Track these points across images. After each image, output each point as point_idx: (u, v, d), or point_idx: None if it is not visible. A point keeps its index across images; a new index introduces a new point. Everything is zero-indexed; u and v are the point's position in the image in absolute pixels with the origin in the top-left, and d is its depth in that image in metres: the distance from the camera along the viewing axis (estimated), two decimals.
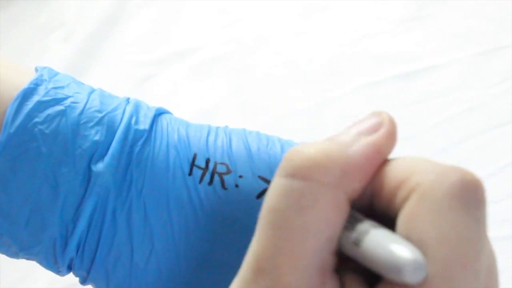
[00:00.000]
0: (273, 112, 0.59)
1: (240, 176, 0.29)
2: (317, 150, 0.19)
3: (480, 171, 0.50)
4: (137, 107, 0.30)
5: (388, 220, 0.19)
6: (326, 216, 0.18)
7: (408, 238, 0.17)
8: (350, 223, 0.18)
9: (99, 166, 0.28)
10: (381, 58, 0.60)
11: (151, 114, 0.30)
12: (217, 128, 0.31)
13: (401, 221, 0.18)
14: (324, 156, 0.18)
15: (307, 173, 0.18)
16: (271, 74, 0.62)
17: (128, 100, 0.31)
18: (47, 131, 0.28)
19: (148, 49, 0.67)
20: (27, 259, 0.30)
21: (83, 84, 0.31)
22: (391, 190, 0.19)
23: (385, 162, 0.20)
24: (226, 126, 0.31)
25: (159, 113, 0.31)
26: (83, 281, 0.30)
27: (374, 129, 0.20)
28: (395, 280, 0.17)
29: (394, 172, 0.19)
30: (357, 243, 0.18)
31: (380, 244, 0.17)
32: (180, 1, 0.71)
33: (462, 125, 0.54)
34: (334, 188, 0.18)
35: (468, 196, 0.18)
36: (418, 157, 0.20)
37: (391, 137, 0.20)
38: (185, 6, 0.70)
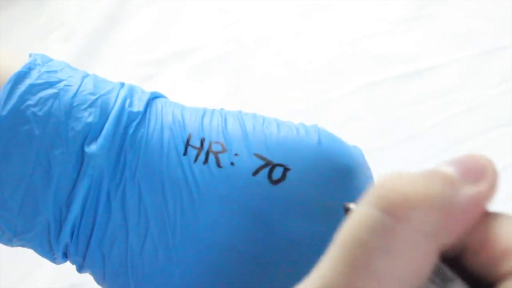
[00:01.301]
0: (272, 112, 0.58)
1: (236, 154, 0.28)
2: (417, 190, 0.17)
3: None
4: (131, 90, 0.30)
5: (475, 278, 0.17)
6: (414, 264, 0.16)
7: None
8: (439, 278, 0.17)
9: (92, 148, 0.28)
10: (381, 58, 0.60)
11: (145, 97, 0.30)
12: (213, 110, 0.30)
13: None
14: (424, 199, 0.16)
15: (404, 214, 0.16)
16: (271, 74, 0.62)
17: (122, 84, 0.31)
18: (39, 114, 0.28)
19: (148, 49, 0.67)
20: (22, 246, 0.30)
21: (77, 69, 0.31)
22: (493, 256, 0.17)
23: (486, 216, 0.18)
24: (222, 108, 0.31)
25: (154, 96, 0.31)
26: (79, 268, 0.30)
27: (478, 177, 0.18)
28: None
29: (502, 237, 0.17)
30: None
31: None
32: (180, 1, 0.71)
33: (462, 125, 0.54)
34: (428, 236, 0.16)
35: None
36: None
37: (493, 191, 0.18)
38: (185, 6, 0.70)
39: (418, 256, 0.16)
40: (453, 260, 0.18)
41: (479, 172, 0.18)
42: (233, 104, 0.60)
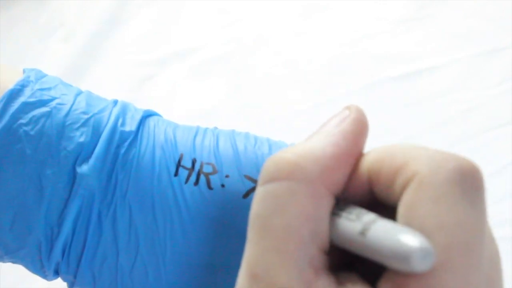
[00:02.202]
0: (272, 112, 0.59)
1: (227, 176, 0.28)
2: (287, 152, 0.19)
3: None
4: (124, 109, 0.30)
5: (390, 212, 0.19)
6: (305, 211, 0.18)
7: (409, 226, 0.17)
8: (354, 215, 0.18)
9: (84, 168, 0.28)
10: (381, 58, 0.60)
11: (138, 116, 0.30)
12: (206, 129, 0.30)
13: (401, 210, 0.18)
14: (295, 155, 0.19)
15: (281, 175, 0.19)
16: (271, 74, 0.62)
17: (115, 102, 0.30)
18: (32, 133, 0.28)
19: (148, 49, 0.67)
20: (13, 262, 0.30)
21: (71, 86, 0.31)
22: (388, 178, 0.19)
23: (377, 150, 0.20)
24: (215, 127, 0.31)
25: (147, 115, 0.31)
26: (70, 286, 0.30)
27: (343, 120, 0.20)
28: (401, 269, 0.17)
29: (390, 160, 0.19)
30: (363, 232, 0.18)
31: (388, 232, 0.17)
32: (180, 1, 0.71)
33: (462, 125, 0.54)
34: (309, 183, 0.18)
35: (466, 183, 0.18)
36: (413, 144, 0.20)
37: (359, 123, 0.20)
38: (185, 6, 0.70)
39: (306, 203, 0.18)
40: (371, 202, 0.20)
41: (345, 116, 0.20)
42: (233, 103, 0.60)
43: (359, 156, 0.20)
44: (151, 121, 0.30)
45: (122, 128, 0.29)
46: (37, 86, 0.29)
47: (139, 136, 0.29)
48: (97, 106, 0.29)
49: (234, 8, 0.69)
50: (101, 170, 0.28)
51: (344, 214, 0.19)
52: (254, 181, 0.28)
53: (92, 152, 0.28)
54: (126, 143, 0.29)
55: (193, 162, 0.29)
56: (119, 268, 0.28)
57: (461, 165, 0.18)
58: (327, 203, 0.19)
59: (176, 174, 0.28)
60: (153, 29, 0.69)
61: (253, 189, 0.28)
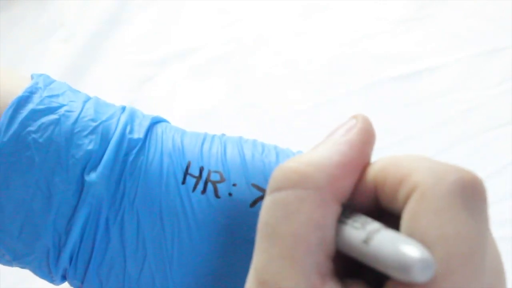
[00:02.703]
0: (273, 112, 0.59)
1: (234, 185, 0.28)
2: (295, 161, 0.19)
3: (480, 172, 0.50)
4: (132, 116, 0.30)
5: (395, 220, 0.19)
6: (313, 218, 0.18)
7: (412, 236, 0.18)
8: (359, 223, 0.19)
9: (92, 176, 0.28)
10: (381, 58, 0.60)
11: (146, 123, 0.30)
12: (213, 136, 0.30)
13: (404, 220, 0.18)
14: (302, 164, 0.19)
15: (289, 183, 0.19)
16: (271, 74, 0.62)
17: (123, 108, 0.31)
18: (40, 140, 0.28)
19: (148, 50, 0.67)
20: (21, 267, 0.30)
21: (79, 92, 0.31)
22: (392, 188, 0.19)
23: (383, 160, 0.20)
24: (223, 134, 0.31)
25: (155, 122, 0.31)
26: None
27: (350, 130, 0.21)
28: (402, 279, 0.17)
29: (394, 170, 0.19)
30: (366, 241, 0.18)
31: (390, 242, 0.17)
32: (180, 2, 0.71)
33: (462, 125, 0.54)
34: (317, 191, 0.19)
35: (467, 195, 0.18)
36: (417, 155, 0.20)
37: (365, 133, 0.21)
38: (185, 7, 0.70)
39: (314, 211, 0.18)
40: (376, 211, 0.20)
41: (352, 126, 0.21)
42: (234, 103, 0.60)
43: (365, 165, 0.20)
44: (159, 128, 0.30)
45: (130, 136, 0.29)
46: (45, 93, 0.29)
47: (147, 144, 0.29)
48: (105, 113, 0.29)
49: (234, 8, 0.69)
50: (109, 178, 0.28)
51: (350, 222, 0.19)
52: (262, 190, 0.28)
53: (100, 160, 0.28)
54: (134, 151, 0.29)
55: (201, 170, 0.29)
56: (126, 275, 0.28)
57: (462, 177, 0.18)
58: (334, 211, 0.19)
59: (183, 182, 0.28)
60: (153, 29, 0.69)
61: (260, 198, 0.28)
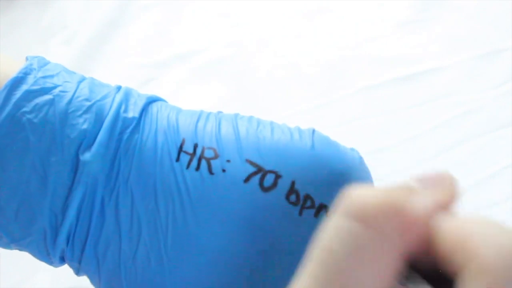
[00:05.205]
0: (274, 114, 0.59)
1: (228, 161, 0.28)
2: (383, 197, 0.17)
3: (480, 173, 0.50)
4: (127, 95, 0.30)
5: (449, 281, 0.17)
6: (383, 268, 0.17)
7: None
8: (410, 281, 0.17)
9: (87, 155, 0.28)
10: (382, 61, 0.60)
11: (141, 103, 0.30)
12: (209, 113, 0.30)
13: None
14: (390, 206, 0.17)
15: (371, 220, 0.17)
16: (272, 77, 0.62)
17: (119, 88, 0.30)
18: (35, 121, 0.27)
19: (149, 52, 0.67)
20: (19, 250, 0.30)
21: (74, 73, 0.30)
22: (446, 253, 0.17)
23: (449, 231, 0.18)
24: (219, 112, 0.31)
25: (151, 101, 0.31)
26: (76, 272, 0.30)
27: (438, 185, 0.18)
28: None
29: (449, 233, 0.17)
30: None
31: None
32: (181, 4, 0.71)
33: (463, 127, 0.54)
34: (393, 241, 0.17)
35: None
36: (476, 217, 0.17)
37: (451, 198, 0.18)
38: (186, 9, 0.70)
39: (386, 261, 0.17)
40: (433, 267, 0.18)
41: (441, 181, 0.18)
42: (234, 106, 0.60)
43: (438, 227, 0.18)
44: (154, 107, 0.30)
45: (124, 115, 0.29)
46: (40, 74, 0.29)
47: (141, 122, 0.29)
48: (100, 93, 0.29)
49: (235, 11, 0.69)
50: (104, 157, 0.28)
51: (410, 286, 0.18)
52: (255, 165, 0.28)
53: (95, 139, 0.28)
54: (129, 129, 0.29)
55: (195, 147, 0.28)
56: (122, 254, 0.28)
57: None
58: (399, 267, 0.17)
59: (177, 159, 0.28)
60: (154, 32, 0.69)
61: (253, 174, 0.28)
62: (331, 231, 0.17)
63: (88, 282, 0.50)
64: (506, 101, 0.54)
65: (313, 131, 0.30)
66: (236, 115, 0.30)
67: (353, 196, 0.17)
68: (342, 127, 0.54)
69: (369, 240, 0.17)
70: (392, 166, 0.51)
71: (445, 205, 0.18)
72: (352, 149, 0.30)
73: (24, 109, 0.28)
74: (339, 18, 0.65)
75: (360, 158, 0.30)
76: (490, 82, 0.56)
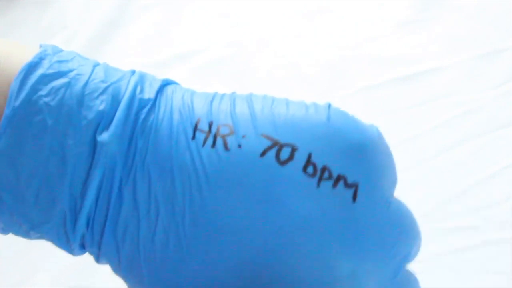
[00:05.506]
0: None
1: (243, 136, 0.28)
2: None
3: (480, 173, 0.50)
4: (142, 77, 0.30)
5: None
6: None
7: None
8: None
9: (104, 136, 0.27)
10: (382, 61, 0.60)
11: (156, 84, 0.30)
12: (223, 94, 0.30)
13: None
14: None
15: None
16: (273, 77, 0.62)
17: (133, 72, 0.31)
18: (52, 104, 0.27)
19: (150, 52, 0.67)
20: (39, 238, 0.30)
21: (88, 58, 0.31)
22: None
23: None
24: (233, 92, 0.31)
25: (165, 83, 0.31)
26: (96, 259, 0.30)
27: None
28: None
29: None
30: None
31: None
32: (181, 4, 0.71)
33: (463, 127, 0.54)
34: None
35: None
36: None
37: None
38: (186, 9, 0.70)
39: None
40: None
41: None
42: None
43: None
44: (169, 89, 0.30)
45: (140, 96, 0.29)
46: (55, 59, 0.29)
47: (157, 103, 0.29)
48: (115, 76, 0.29)
49: (235, 11, 0.69)
50: (121, 137, 0.28)
51: None
52: (271, 139, 0.28)
53: (111, 120, 0.28)
54: (145, 110, 0.28)
55: (210, 125, 0.28)
56: (141, 236, 0.28)
57: None
58: None
59: (193, 137, 0.28)
60: (154, 32, 0.69)
61: (269, 148, 0.28)
62: None
63: (89, 282, 0.50)
64: (506, 101, 0.54)
65: (329, 105, 0.30)
66: (251, 94, 0.30)
67: None
68: None
69: None
70: None
71: None
72: (372, 125, 0.30)
73: (41, 92, 0.28)
74: (339, 18, 0.65)
75: (379, 133, 0.30)
76: (490, 82, 0.56)
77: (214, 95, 0.30)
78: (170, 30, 0.69)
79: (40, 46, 0.30)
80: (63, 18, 0.73)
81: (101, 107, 0.28)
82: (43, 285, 0.51)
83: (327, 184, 0.28)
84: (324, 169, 0.28)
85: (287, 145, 0.28)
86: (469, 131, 0.53)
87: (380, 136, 0.30)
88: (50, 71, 0.28)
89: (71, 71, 0.29)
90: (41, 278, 0.51)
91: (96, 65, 0.30)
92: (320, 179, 0.28)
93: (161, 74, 0.67)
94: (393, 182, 0.30)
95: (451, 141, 0.53)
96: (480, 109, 0.54)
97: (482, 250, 0.47)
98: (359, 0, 0.66)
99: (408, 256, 0.29)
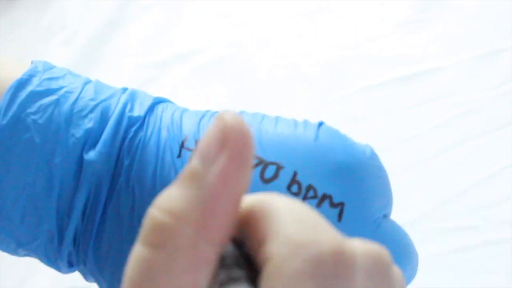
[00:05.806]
0: (273, 114, 0.59)
1: None
2: (166, 212, 0.16)
3: (480, 173, 0.50)
4: (133, 95, 0.30)
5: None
6: (184, 278, 0.16)
7: None
8: (219, 271, 0.16)
9: (91, 154, 0.27)
10: (382, 61, 0.60)
11: (147, 103, 0.30)
12: (214, 112, 0.30)
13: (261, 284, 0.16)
14: (174, 218, 0.16)
15: (158, 241, 0.16)
16: (273, 77, 0.62)
17: (125, 89, 0.30)
18: (40, 121, 0.27)
19: (150, 52, 0.67)
20: (27, 255, 0.30)
21: (79, 76, 0.30)
22: (257, 241, 0.16)
23: (247, 209, 0.17)
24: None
25: (157, 101, 0.30)
26: (84, 277, 0.30)
27: (219, 151, 0.16)
28: None
29: (255, 228, 0.17)
30: None
31: None
32: (181, 5, 0.71)
33: (463, 127, 0.54)
34: (191, 248, 0.16)
35: (320, 275, 0.15)
36: (279, 210, 0.17)
37: (239, 163, 0.16)
38: (186, 9, 0.70)
39: (185, 270, 0.16)
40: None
41: (220, 143, 0.16)
42: (235, 106, 0.60)
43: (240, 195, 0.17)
44: (160, 107, 0.30)
45: (130, 114, 0.29)
46: (45, 76, 0.29)
47: (146, 121, 0.29)
48: (106, 93, 0.29)
49: (235, 11, 0.69)
50: (108, 155, 0.28)
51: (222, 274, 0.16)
52: (256, 158, 0.28)
53: (99, 138, 0.28)
54: (134, 128, 0.28)
55: (197, 143, 0.28)
56: (124, 255, 0.28)
57: (318, 253, 0.15)
58: (213, 262, 0.16)
59: (179, 155, 0.28)
60: (154, 32, 0.69)
61: (255, 166, 0.28)
62: (130, 260, 0.16)
63: (88, 283, 0.50)
64: (506, 101, 0.54)
65: (320, 123, 0.30)
66: (242, 112, 0.30)
67: (145, 219, 0.16)
68: (342, 127, 0.54)
69: (160, 260, 0.16)
70: (392, 166, 0.51)
71: (236, 166, 0.16)
72: (366, 145, 0.30)
73: (29, 110, 0.27)
74: (339, 18, 0.65)
75: (372, 153, 0.29)
76: (490, 82, 0.56)
77: (205, 113, 0.30)
78: (170, 30, 0.68)
79: (32, 63, 0.30)
80: (63, 18, 0.73)
81: (89, 125, 0.28)
82: (43, 285, 0.51)
83: (312, 203, 0.28)
84: (309, 188, 0.28)
85: (272, 163, 0.28)
86: (469, 131, 0.53)
87: (372, 157, 0.29)
88: (39, 88, 0.28)
89: (60, 88, 0.28)
90: (41, 278, 0.51)
91: (87, 82, 0.30)
92: (304, 198, 0.28)
93: (161, 74, 0.68)
94: (387, 204, 0.29)
95: (451, 141, 0.53)
96: (480, 109, 0.54)
97: (482, 250, 0.47)
98: (359, 0, 0.66)
99: None
